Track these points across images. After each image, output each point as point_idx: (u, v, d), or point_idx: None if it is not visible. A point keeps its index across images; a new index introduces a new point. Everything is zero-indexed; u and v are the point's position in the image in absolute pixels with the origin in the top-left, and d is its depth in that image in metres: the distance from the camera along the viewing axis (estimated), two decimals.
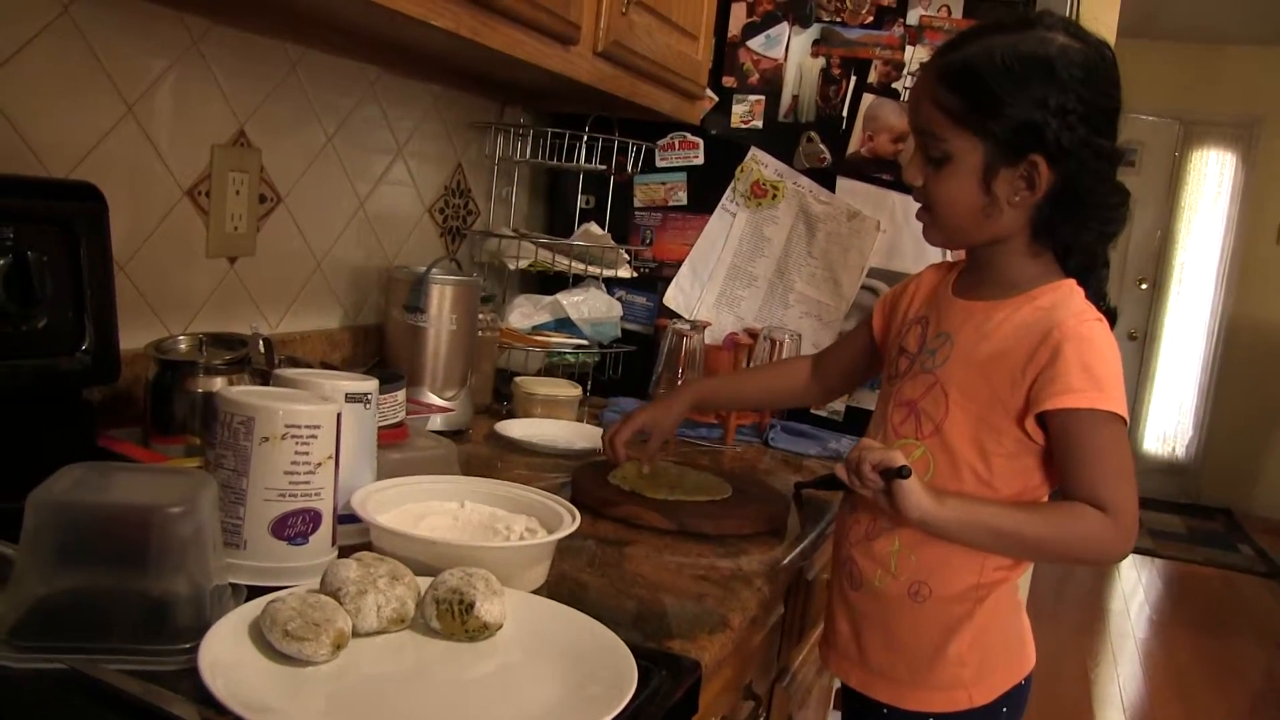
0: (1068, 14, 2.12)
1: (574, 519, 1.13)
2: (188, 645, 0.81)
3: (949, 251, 1.75)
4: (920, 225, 1.27)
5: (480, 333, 1.85)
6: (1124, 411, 1.14)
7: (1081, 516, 1.14)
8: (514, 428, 1.76)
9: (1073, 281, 1.21)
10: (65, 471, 0.86)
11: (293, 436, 0.98)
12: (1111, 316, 1.21)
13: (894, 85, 2.04)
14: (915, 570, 1.25)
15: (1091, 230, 1.20)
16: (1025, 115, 1.13)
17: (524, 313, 2.11)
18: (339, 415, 1.03)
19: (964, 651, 1.24)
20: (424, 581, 0.95)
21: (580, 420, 1.92)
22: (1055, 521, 1.17)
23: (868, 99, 2.06)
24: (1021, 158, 1.15)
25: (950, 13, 1.99)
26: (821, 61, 2.09)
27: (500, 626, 0.93)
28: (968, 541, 1.20)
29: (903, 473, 1.13)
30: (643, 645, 0.96)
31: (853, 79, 2.07)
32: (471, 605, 0.91)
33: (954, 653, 1.24)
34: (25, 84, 1.21)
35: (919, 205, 1.26)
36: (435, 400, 1.71)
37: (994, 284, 1.24)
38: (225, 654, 0.80)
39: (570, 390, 1.92)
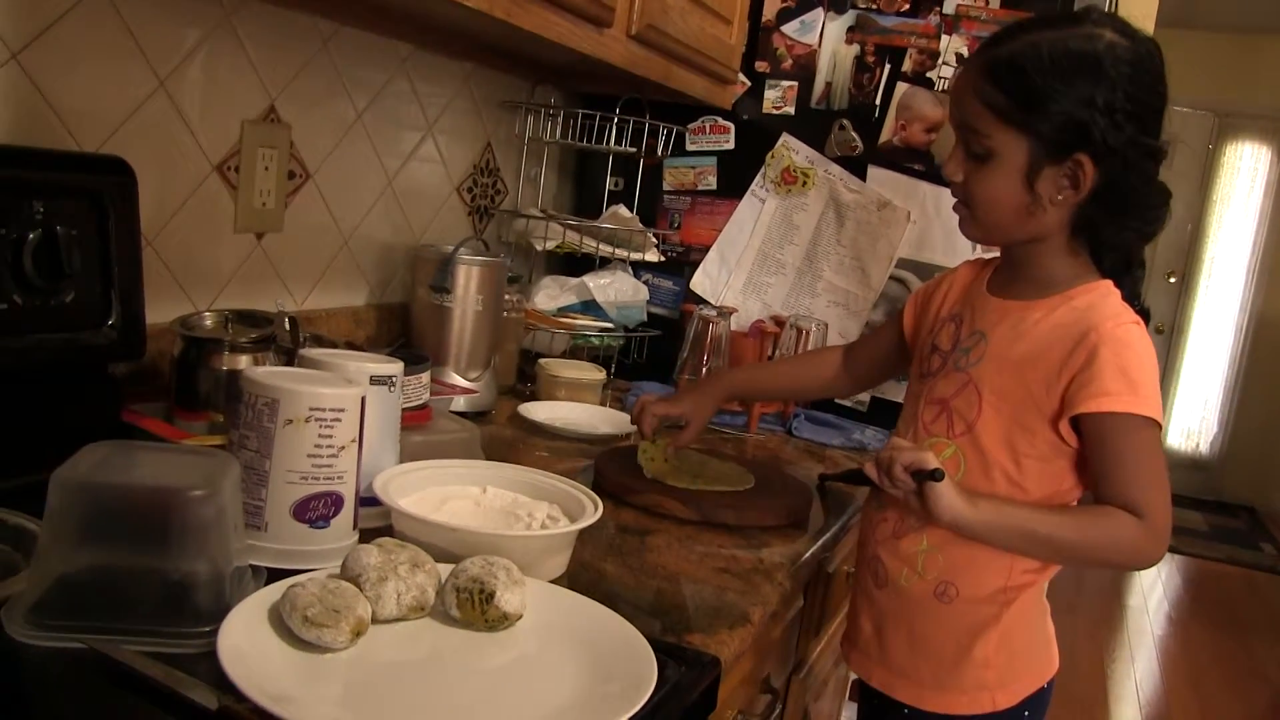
0: (1106, 6, 2.09)
1: (596, 508, 1.13)
2: (207, 628, 0.81)
3: (979, 245, 1.73)
4: (955, 217, 1.25)
5: (506, 313, 1.84)
6: (1159, 416, 1.12)
7: (1114, 521, 1.12)
8: (537, 410, 1.75)
9: (1109, 282, 1.20)
10: (89, 450, 0.86)
11: (316, 420, 0.98)
12: (1146, 316, 1.19)
13: (928, 74, 2.01)
14: (943, 570, 1.23)
15: (1132, 230, 1.18)
16: (1072, 113, 1.10)
17: (550, 294, 2.10)
18: (363, 399, 1.02)
19: (989, 654, 1.23)
20: (445, 568, 0.94)
21: (604, 404, 1.91)
22: (1087, 525, 1.15)
23: (901, 88, 2.03)
24: (1066, 156, 1.12)
25: (988, 2, 1.96)
26: (856, 48, 2.06)
27: (520, 617, 0.92)
28: (999, 544, 1.18)
29: (935, 475, 1.12)
30: (662, 638, 0.95)
31: (887, 67, 2.04)
32: (492, 595, 0.90)
33: (979, 655, 1.23)
34: (58, 57, 1.21)
35: (955, 199, 1.24)
36: (459, 381, 1.71)
37: (1030, 282, 1.22)
38: (244, 639, 0.80)
39: (594, 374, 1.91)
